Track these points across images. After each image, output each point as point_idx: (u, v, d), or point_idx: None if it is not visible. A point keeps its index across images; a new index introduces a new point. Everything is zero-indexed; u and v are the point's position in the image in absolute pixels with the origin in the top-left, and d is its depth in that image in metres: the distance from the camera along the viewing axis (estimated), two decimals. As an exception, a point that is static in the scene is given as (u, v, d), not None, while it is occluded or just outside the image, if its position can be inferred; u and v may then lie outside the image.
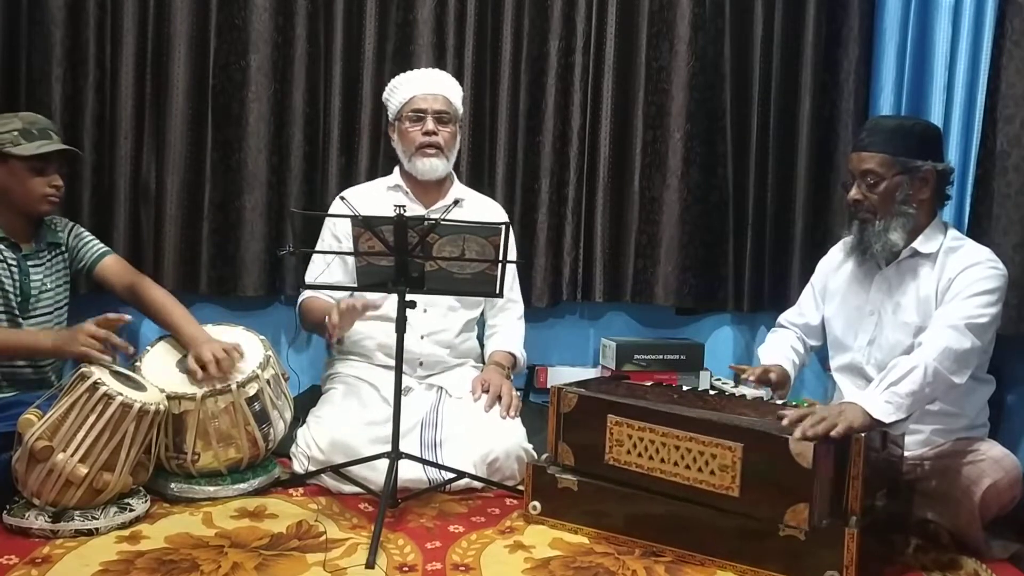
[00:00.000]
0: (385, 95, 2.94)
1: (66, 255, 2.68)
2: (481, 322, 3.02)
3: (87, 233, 2.75)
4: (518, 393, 2.76)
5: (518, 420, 2.69)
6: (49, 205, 2.55)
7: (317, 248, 2.88)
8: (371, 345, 2.83)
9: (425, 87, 2.84)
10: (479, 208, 2.93)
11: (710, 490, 2.14)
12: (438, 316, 2.84)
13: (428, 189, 2.88)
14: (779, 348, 2.68)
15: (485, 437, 2.58)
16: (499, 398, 2.70)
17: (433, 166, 2.81)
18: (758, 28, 3.37)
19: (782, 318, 2.80)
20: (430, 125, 2.80)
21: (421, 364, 2.82)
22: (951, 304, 2.29)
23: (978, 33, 2.86)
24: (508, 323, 2.98)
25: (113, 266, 2.73)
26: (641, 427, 2.23)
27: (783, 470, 2.04)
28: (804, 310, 2.73)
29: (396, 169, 2.94)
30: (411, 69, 2.97)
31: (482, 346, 3.01)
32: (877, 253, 2.41)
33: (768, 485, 2.07)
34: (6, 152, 2.46)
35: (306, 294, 2.84)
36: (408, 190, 2.87)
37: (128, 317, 2.50)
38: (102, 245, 2.75)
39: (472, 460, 2.55)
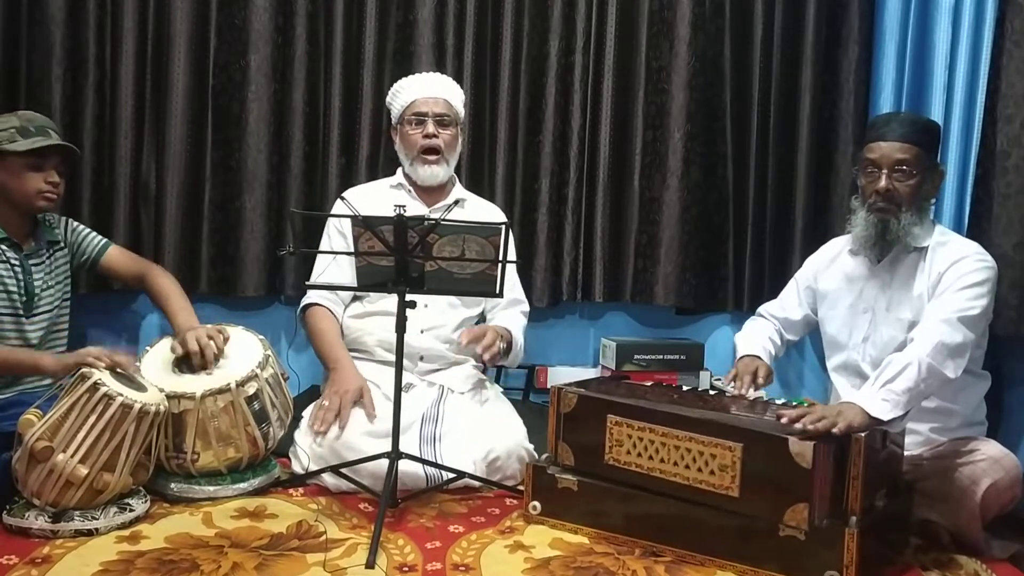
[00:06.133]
0: (388, 99, 2.96)
1: (66, 251, 2.68)
2: (481, 320, 3.02)
3: (83, 227, 2.76)
4: (502, 345, 2.71)
5: (519, 420, 2.69)
6: (45, 202, 2.53)
7: (320, 247, 2.89)
8: (371, 341, 2.83)
9: (426, 91, 2.86)
10: (478, 211, 2.95)
11: (710, 490, 2.14)
12: (438, 312, 2.84)
13: (430, 190, 2.90)
14: (756, 337, 2.69)
15: (486, 436, 2.59)
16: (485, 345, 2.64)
17: (433, 173, 2.86)
18: (758, 28, 3.38)
19: (762, 309, 2.81)
20: (431, 128, 2.83)
21: (422, 359, 2.82)
22: (942, 298, 2.30)
23: (978, 33, 2.86)
24: (510, 315, 2.96)
25: (119, 257, 2.77)
26: (641, 427, 2.23)
27: (783, 470, 2.04)
28: (785, 304, 2.74)
29: (399, 169, 2.95)
30: (412, 69, 2.99)
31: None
32: (905, 246, 2.40)
33: (768, 485, 2.07)
34: (3, 150, 2.45)
35: (312, 296, 2.84)
36: (410, 189, 2.90)
37: (136, 364, 2.45)
38: (102, 237, 2.77)
39: (473, 458, 2.55)
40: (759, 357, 2.60)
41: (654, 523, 2.22)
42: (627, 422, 2.25)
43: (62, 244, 2.68)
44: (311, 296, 2.85)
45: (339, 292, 2.85)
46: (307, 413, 2.67)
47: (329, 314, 2.82)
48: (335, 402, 2.58)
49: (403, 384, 2.41)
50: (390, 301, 2.75)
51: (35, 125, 2.51)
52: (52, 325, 2.61)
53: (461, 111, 2.94)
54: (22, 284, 2.52)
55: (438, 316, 2.85)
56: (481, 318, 3.01)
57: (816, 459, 2.01)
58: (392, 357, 2.49)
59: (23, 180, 2.48)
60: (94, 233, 2.77)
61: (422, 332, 2.81)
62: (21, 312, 2.51)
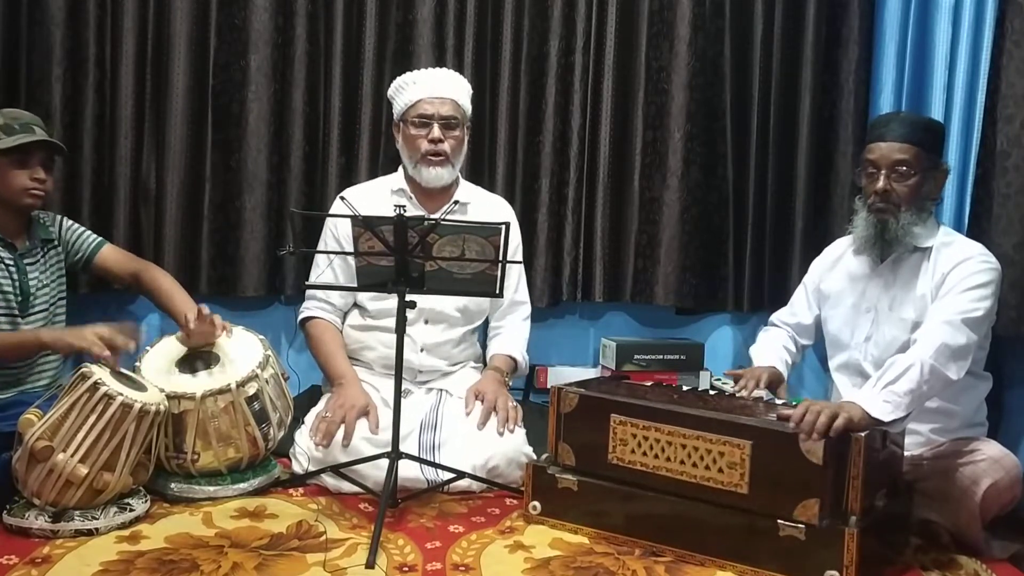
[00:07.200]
0: (390, 92, 2.83)
1: (59, 250, 2.67)
2: (485, 323, 3.00)
3: (77, 225, 2.75)
4: (515, 404, 2.69)
5: (519, 424, 2.65)
6: (32, 199, 2.51)
7: (318, 249, 2.87)
8: (371, 356, 2.81)
9: (432, 90, 2.72)
10: (486, 207, 2.87)
11: (718, 487, 2.14)
12: (438, 330, 2.80)
13: (432, 194, 2.80)
14: (771, 347, 2.69)
15: (485, 443, 2.56)
16: (495, 411, 2.63)
17: (438, 175, 2.74)
18: (758, 28, 3.38)
19: (774, 317, 2.81)
20: (436, 133, 2.69)
21: (420, 373, 2.81)
22: (945, 299, 2.30)
23: (978, 33, 2.86)
24: (512, 324, 2.94)
25: (113, 255, 2.75)
26: (646, 426, 2.23)
27: (793, 466, 2.05)
28: (796, 309, 2.74)
29: (400, 170, 2.87)
30: (411, 69, 2.92)
31: (484, 347, 2.99)
32: (905, 246, 2.39)
33: (777, 482, 2.07)
34: None
35: (312, 309, 2.80)
36: (412, 195, 2.81)
37: (142, 336, 2.49)
38: (96, 236, 2.76)
39: (472, 465, 2.53)
40: (773, 367, 2.60)
41: (654, 523, 2.22)
42: (631, 421, 2.25)
43: (56, 242, 2.67)
44: (310, 308, 2.81)
45: (339, 304, 2.82)
46: (309, 418, 2.65)
47: (331, 326, 2.79)
48: (339, 415, 2.54)
49: (401, 390, 2.39)
50: (391, 318, 2.67)
51: (20, 123, 2.49)
52: (48, 324, 2.59)
53: (469, 108, 2.81)
54: (17, 284, 2.51)
55: (439, 334, 2.81)
56: (484, 324, 3.00)
57: (827, 455, 2.02)
58: (390, 371, 2.47)
59: (8, 177, 2.47)
60: (89, 232, 2.76)
61: (422, 350, 2.79)
62: (17, 312, 2.50)
